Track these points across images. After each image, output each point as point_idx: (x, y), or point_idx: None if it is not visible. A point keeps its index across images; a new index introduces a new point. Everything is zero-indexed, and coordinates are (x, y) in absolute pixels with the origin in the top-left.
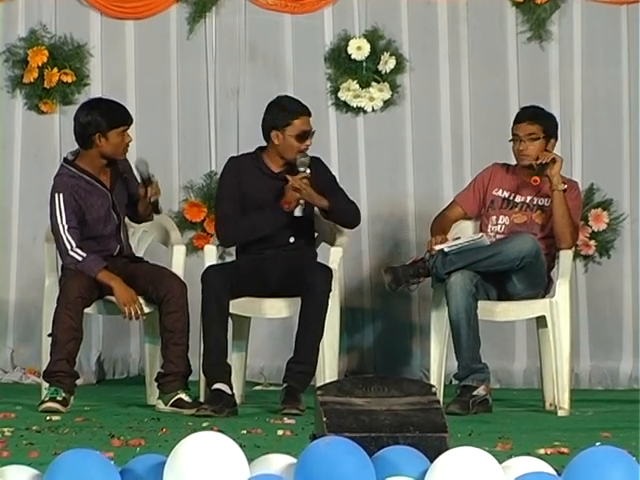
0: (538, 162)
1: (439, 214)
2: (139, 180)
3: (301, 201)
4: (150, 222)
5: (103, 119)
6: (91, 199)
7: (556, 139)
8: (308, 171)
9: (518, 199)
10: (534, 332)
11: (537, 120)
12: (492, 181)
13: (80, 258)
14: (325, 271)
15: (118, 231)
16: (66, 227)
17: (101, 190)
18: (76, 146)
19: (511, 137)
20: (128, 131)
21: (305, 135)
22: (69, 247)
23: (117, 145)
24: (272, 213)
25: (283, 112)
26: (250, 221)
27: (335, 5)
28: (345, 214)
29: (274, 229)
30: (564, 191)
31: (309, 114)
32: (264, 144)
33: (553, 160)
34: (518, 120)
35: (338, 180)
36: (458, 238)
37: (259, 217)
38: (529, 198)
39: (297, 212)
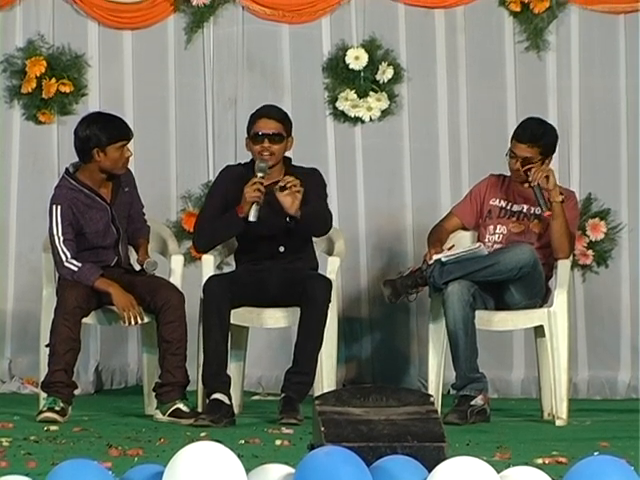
0: (533, 184)
1: (436, 225)
2: (143, 266)
3: (255, 206)
4: (148, 231)
5: (102, 134)
6: (90, 213)
7: (553, 153)
8: (260, 174)
9: (515, 208)
10: (532, 342)
11: (536, 143)
12: (489, 191)
13: (76, 268)
14: (325, 281)
15: (117, 244)
16: (62, 239)
17: (100, 204)
18: (75, 156)
19: (508, 151)
20: (128, 145)
21: (259, 137)
22: (64, 258)
23: (116, 160)
24: (229, 218)
25: (250, 119)
26: (211, 225)
27: (333, 15)
28: (313, 221)
29: (234, 233)
30: (562, 202)
31: (272, 117)
32: None
33: (546, 177)
34: (518, 139)
35: (334, 191)
36: (453, 247)
37: (219, 221)
38: (526, 207)
39: (251, 217)
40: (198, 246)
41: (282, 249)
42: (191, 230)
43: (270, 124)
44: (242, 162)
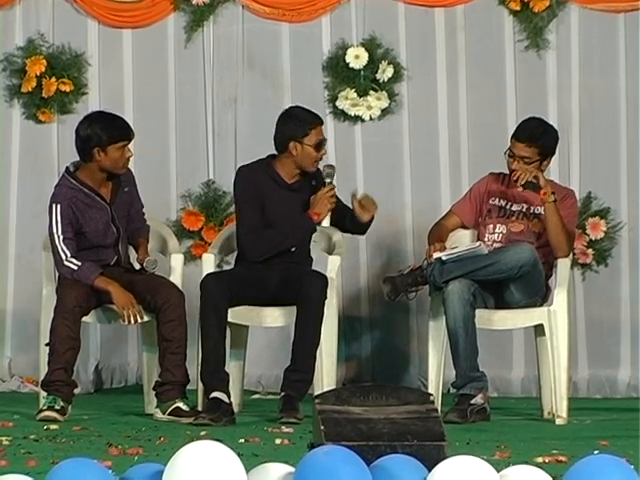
0: (521, 183)
1: (436, 223)
2: (143, 265)
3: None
4: (148, 231)
5: (103, 133)
6: (89, 212)
7: (553, 154)
8: (330, 181)
9: (515, 208)
10: (532, 340)
11: (534, 143)
12: (488, 190)
13: (75, 267)
14: (320, 279)
15: (117, 243)
16: (61, 237)
17: (100, 203)
18: (75, 155)
19: (507, 150)
20: (129, 145)
21: (321, 144)
22: (64, 257)
23: (116, 160)
24: (302, 224)
25: (300, 123)
26: (280, 233)
27: (333, 14)
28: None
29: (304, 239)
30: (554, 201)
31: (322, 123)
32: (263, 153)
33: (535, 177)
34: (517, 138)
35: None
36: (455, 247)
37: (290, 229)
38: (525, 207)
39: (325, 223)
40: (258, 256)
41: (294, 249)
42: (191, 229)
43: (323, 130)
44: (255, 161)
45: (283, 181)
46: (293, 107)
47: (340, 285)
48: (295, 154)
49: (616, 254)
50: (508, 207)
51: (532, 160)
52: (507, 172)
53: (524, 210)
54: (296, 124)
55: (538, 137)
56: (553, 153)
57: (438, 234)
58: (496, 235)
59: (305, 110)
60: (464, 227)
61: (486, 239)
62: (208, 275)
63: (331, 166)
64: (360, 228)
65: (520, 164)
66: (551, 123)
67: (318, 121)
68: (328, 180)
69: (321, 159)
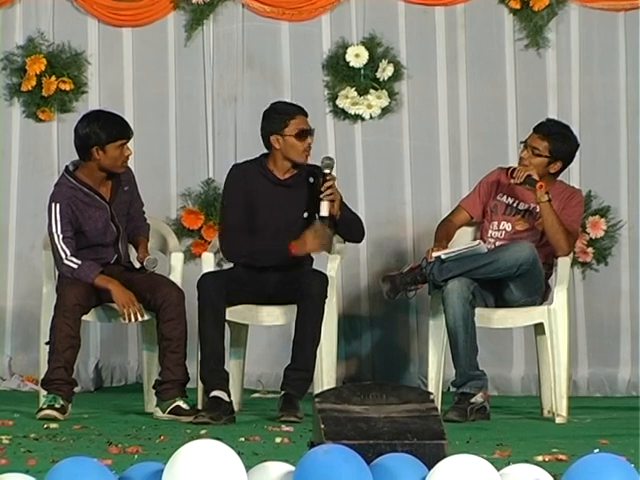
0: (517, 182)
1: (443, 220)
2: (143, 264)
3: (328, 203)
4: (148, 229)
5: (102, 132)
6: (89, 211)
7: (565, 162)
8: (329, 172)
9: (521, 206)
10: (532, 339)
11: (548, 137)
12: (498, 186)
13: (75, 266)
14: (320, 277)
15: (117, 241)
16: (61, 236)
17: (100, 202)
18: (75, 154)
19: (524, 140)
20: (128, 144)
21: (304, 133)
22: (64, 256)
23: (115, 158)
24: (280, 249)
25: (278, 115)
26: (257, 248)
27: (333, 12)
28: (354, 228)
29: (273, 262)
30: (549, 200)
31: (305, 114)
32: (263, 151)
33: (529, 175)
34: (535, 128)
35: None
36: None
37: (268, 247)
38: (532, 206)
39: (324, 212)
40: (228, 257)
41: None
42: (191, 227)
43: (306, 121)
44: (249, 159)
45: (275, 177)
46: (274, 103)
47: (340, 284)
48: (279, 147)
49: (616, 252)
50: (515, 205)
51: (541, 154)
52: (515, 167)
53: (530, 209)
54: (275, 118)
55: (552, 133)
56: (565, 159)
57: (445, 231)
58: (499, 232)
59: (285, 103)
60: (471, 223)
61: (489, 235)
62: (205, 274)
63: (329, 158)
64: (348, 235)
65: (529, 154)
66: (574, 134)
67: (298, 111)
68: (327, 171)
69: (308, 148)
